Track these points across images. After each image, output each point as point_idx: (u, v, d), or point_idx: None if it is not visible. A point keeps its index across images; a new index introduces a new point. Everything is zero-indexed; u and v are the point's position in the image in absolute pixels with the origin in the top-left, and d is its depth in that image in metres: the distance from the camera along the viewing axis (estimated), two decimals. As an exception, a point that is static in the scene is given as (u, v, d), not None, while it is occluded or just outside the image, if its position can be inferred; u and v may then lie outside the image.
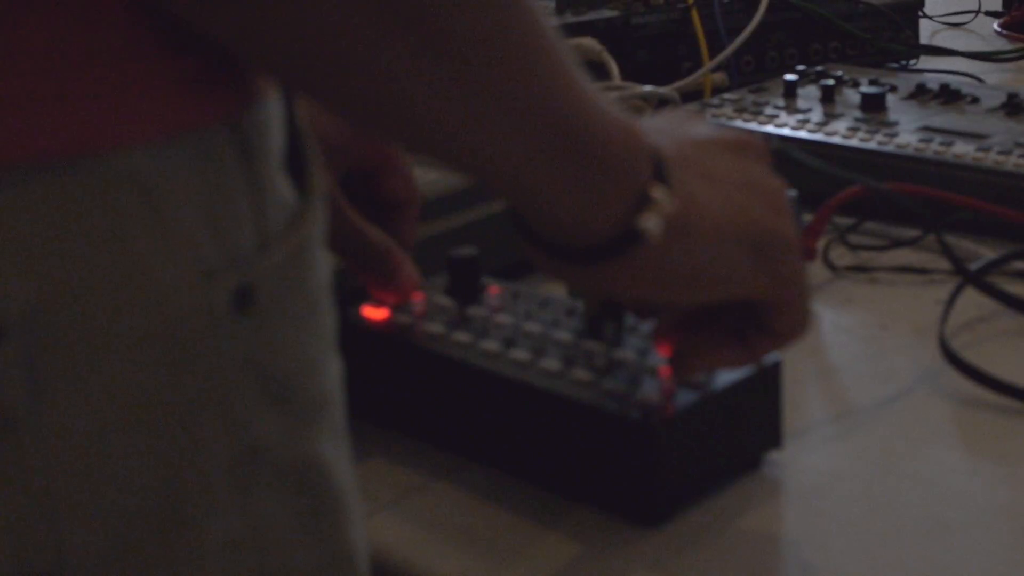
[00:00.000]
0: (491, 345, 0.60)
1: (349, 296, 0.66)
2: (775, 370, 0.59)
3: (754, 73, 1.17)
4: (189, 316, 0.38)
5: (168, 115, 0.38)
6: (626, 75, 1.11)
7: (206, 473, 0.39)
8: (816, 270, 0.80)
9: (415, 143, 0.45)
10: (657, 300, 0.52)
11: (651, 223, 0.47)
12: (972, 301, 0.73)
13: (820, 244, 0.80)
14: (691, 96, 1.09)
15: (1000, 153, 0.85)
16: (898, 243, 0.83)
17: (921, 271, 0.79)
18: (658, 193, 0.47)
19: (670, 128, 0.51)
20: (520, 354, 0.59)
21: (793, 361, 0.67)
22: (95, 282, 0.37)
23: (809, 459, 0.60)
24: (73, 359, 0.37)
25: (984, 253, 0.79)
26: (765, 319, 0.53)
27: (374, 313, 0.65)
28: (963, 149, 0.87)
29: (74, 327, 0.36)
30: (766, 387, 0.59)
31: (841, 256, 0.82)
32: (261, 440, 0.41)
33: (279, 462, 0.41)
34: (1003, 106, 0.95)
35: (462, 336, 0.62)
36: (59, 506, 0.37)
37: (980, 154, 0.85)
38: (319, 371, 0.44)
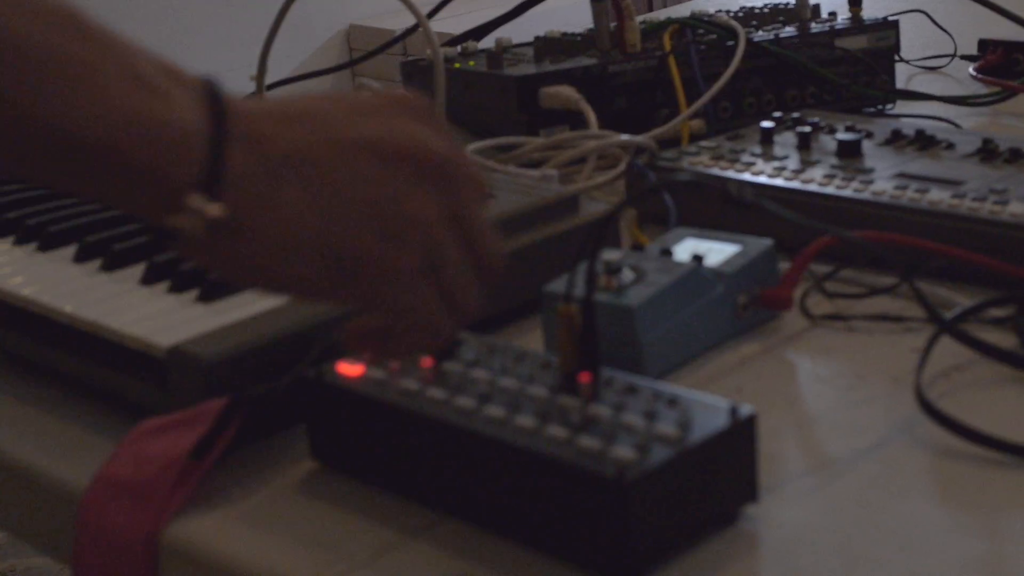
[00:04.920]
0: (465, 402, 0.60)
1: (325, 353, 0.66)
2: (750, 424, 0.59)
3: (732, 119, 1.18)
4: None
5: None
6: (604, 123, 1.12)
7: None
8: (793, 319, 0.80)
9: None
10: (235, 283, 0.59)
11: (182, 223, 0.50)
12: (948, 349, 0.73)
13: (797, 293, 0.81)
14: (669, 143, 1.10)
15: (975, 200, 0.85)
16: (875, 291, 0.83)
17: (898, 319, 0.80)
18: (195, 202, 0.50)
19: (334, 120, 0.53)
20: (495, 411, 0.59)
21: (769, 412, 0.67)
22: None
23: (786, 513, 0.60)
24: None
25: (960, 301, 0.79)
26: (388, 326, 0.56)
27: (349, 370, 0.65)
28: (938, 196, 0.87)
29: None
30: (741, 441, 0.59)
31: (818, 304, 0.82)
32: None
33: None
34: (978, 152, 0.95)
35: (437, 393, 0.62)
36: None
37: (955, 201, 0.86)
38: None
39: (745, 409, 0.58)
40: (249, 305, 0.72)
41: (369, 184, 0.52)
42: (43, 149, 0.49)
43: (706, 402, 0.59)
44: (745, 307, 0.78)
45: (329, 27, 3.44)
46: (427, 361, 0.64)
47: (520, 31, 1.38)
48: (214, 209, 0.50)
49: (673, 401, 0.59)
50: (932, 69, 1.41)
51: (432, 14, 1.29)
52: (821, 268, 0.84)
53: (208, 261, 0.53)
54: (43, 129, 0.48)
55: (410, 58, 1.31)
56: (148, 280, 0.78)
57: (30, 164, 0.50)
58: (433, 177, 0.54)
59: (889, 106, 1.25)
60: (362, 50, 3.31)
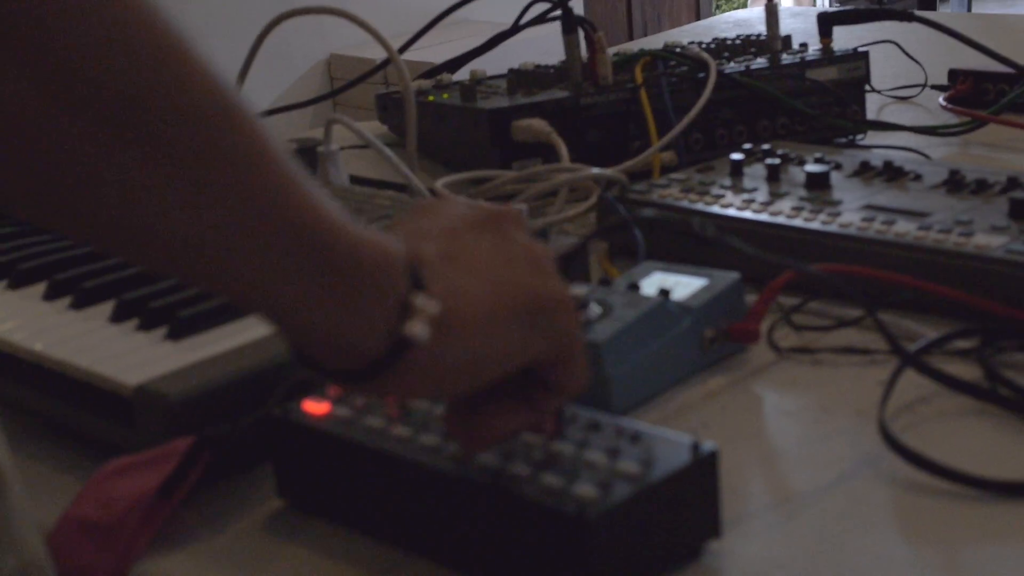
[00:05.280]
0: (430, 440, 0.61)
1: (290, 390, 0.67)
2: (712, 460, 0.59)
3: (704, 151, 1.18)
4: None
5: None
6: (576, 156, 1.12)
7: None
8: (761, 352, 0.81)
9: (160, 266, 0.48)
10: (445, 395, 0.56)
11: (417, 328, 0.50)
12: (913, 382, 0.73)
13: (765, 325, 0.81)
14: (641, 176, 1.10)
15: (940, 232, 0.86)
16: (842, 323, 0.84)
17: (864, 352, 0.80)
18: (419, 300, 0.51)
19: (426, 226, 0.55)
20: (459, 449, 0.60)
21: (734, 446, 0.67)
22: None
23: (749, 548, 0.61)
24: None
25: (926, 333, 0.79)
26: (548, 377, 0.56)
27: (315, 407, 0.65)
28: (904, 228, 0.88)
29: None
30: (704, 477, 0.59)
31: (785, 337, 0.83)
32: None
33: None
34: (944, 183, 0.96)
35: (402, 430, 0.62)
36: None
37: (921, 233, 0.86)
38: None
39: (707, 445, 0.59)
40: (216, 343, 0.72)
41: (499, 246, 0.55)
42: (299, 266, 0.48)
43: (668, 438, 0.59)
44: (712, 341, 0.78)
45: (310, 57, 3.45)
46: (392, 399, 0.64)
47: (496, 63, 1.39)
48: (434, 305, 0.51)
49: (636, 437, 0.59)
50: (903, 99, 1.42)
51: (404, 49, 1.30)
52: (790, 301, 0.85)
53: (433, 372, 0.52)
54: (306, 246, 0.48)
55: (388, 89, 1.31)
56: (117, 318, 0.78)
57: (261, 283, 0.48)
58: (522, 229, 0.57)
59: (860, 136, 1.26)
60: (343, 80, 3.32)
